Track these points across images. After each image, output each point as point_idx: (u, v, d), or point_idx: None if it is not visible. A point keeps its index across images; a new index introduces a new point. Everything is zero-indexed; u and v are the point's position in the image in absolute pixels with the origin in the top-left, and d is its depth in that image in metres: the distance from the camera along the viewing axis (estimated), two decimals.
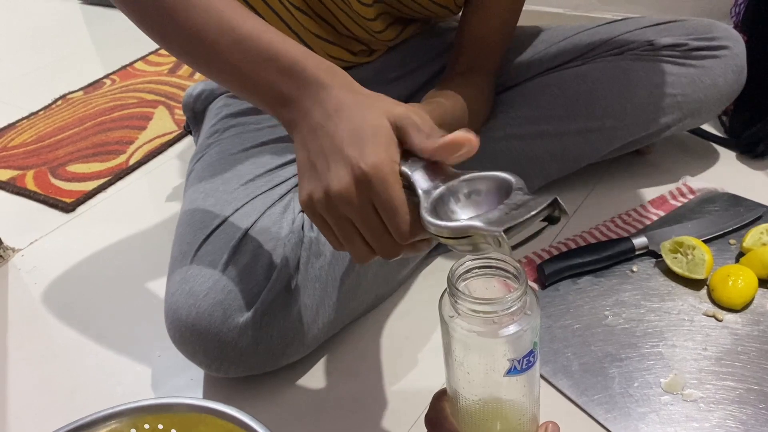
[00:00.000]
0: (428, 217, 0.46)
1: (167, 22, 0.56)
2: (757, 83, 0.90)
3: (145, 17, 0.57)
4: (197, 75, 1.40)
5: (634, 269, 0.77)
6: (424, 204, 0.47)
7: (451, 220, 0.46)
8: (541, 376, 0.66)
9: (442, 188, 0.47)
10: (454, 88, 0.72)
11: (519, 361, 0.47)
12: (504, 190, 0.46)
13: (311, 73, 0.52)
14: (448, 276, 0.46)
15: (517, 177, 0.46)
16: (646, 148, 0.95)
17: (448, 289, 0.47)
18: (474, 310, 0.45)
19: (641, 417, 0.61)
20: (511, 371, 0.47)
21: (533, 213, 0.43)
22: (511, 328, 0.46)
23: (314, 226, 0.70)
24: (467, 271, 0.47)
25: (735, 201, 0.85)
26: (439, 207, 0.47)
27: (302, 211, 0.72)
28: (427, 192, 0.48)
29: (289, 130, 0.53)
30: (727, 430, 0.59)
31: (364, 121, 0.48)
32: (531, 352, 0.48)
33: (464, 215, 0.47)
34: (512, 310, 0.45)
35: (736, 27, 0.98)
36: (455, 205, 0.47)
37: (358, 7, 0.75)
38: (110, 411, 0.52)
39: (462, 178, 0.47)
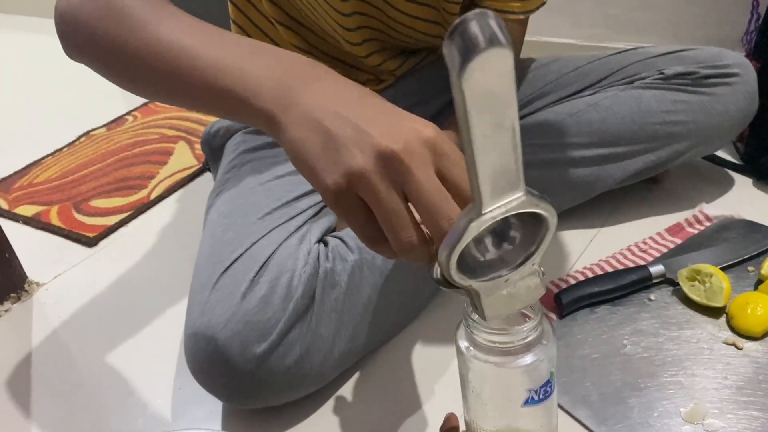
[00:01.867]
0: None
1: (130, 44, 0.53)
2: None
3: (103, 49, 0.56)
4: None
5: (652, 297, 0.77)
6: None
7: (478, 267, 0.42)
8: (560, 407, 0.65)
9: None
10: None
11: (536, 391, 0.47)
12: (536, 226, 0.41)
13: (299, 59, 0.48)
14: (464, 307, 0.47)
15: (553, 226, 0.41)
16: (661, 176, 0.95)
17: (463, 320, 0.48)
18: (490, 341, 0.46)
19: None
20: (529, 401, 0.48)
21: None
22: (528, 358, 0.46)
23: (330, 255, 0.71)
24: None
25: (752, 227, 0.85)
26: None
27: (319, 241, 0.74)
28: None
29: (274, 117, 0.46)
30: None
31: (384, 102, 0.46)
32: (548, 382, 0.48)
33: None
34: (528, 340, 0.46)
35: (747, 55, 0.99)
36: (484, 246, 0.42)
37: (342, 33, 0.79)
38: None
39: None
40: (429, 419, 0.68)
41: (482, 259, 0.41)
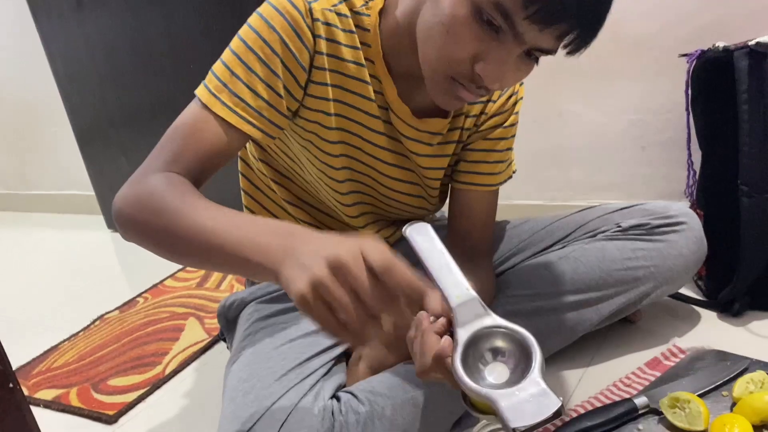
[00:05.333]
0: (462, 374, 0.54)
1: (170, 232, 0.66)
2: (720, 251, 1.03)
3: (150, 236, 0.69)
4: (223, 286, 1.54)
5: (641, 427, 0.83)
6: (458, 351, 0.55)
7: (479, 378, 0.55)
8: None
9: (470, 336, 0.56)
10: None
11: None
12: (525, 352, 0.55)
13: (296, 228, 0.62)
14: None
15: (536, 345, 0.54)
16: (634, 316, 1.05)
17: None
18: None
19: None
20: None
21: (541, 420, 0.51)
22: None
23: (342, 409, 0.79)
24: None
25: (722, 356, 0.93)
26: (468, 358, 0.55)
27: (332, 397, 0.82)
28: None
29: (279, 270, 0.57)
30: None
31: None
32: None
33: (491, 378, 0.55)
34: None
35: (692, 206, 1.14)
36: (480, 361, 0.55)
37: (341, 208, 0.92)
38: None
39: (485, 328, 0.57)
40: None
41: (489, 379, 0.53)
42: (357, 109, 0.83)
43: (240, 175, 1.00)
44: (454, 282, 0.58)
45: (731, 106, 1.01)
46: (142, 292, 1.60)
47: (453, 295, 0.56)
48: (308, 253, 0.55)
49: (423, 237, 0.61)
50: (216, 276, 1.60)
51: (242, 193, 1.00)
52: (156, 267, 1.71)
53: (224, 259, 0.63)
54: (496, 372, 0.55)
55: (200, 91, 0.76)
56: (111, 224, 2.13)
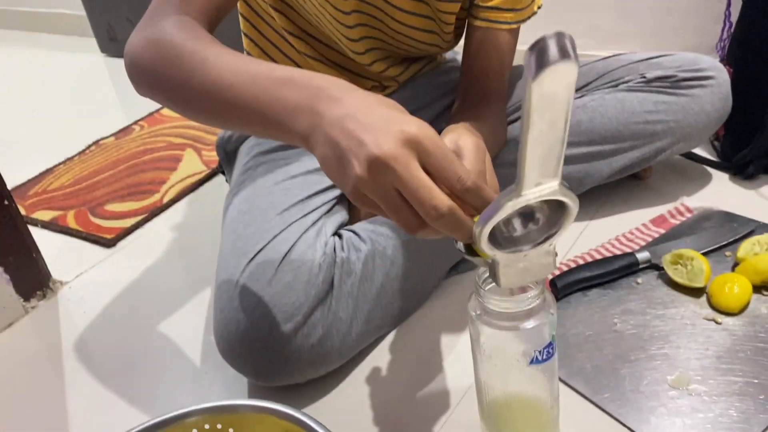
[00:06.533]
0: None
1: (189, 86, 0.60)
2: (743, 111, 0.99)
3: (168, 90, 0.63)
4: None
5: (639, 281, 0.84)
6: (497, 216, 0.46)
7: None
8: (559, 379, 0.72)
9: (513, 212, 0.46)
10: (471, 121, 0.80)
11: (540, 352, 0.54)
12: (555, 218, 0.48)
13: (325, 83, 0.54)
14: (475, 279, 0.54)
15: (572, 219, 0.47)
16: (645, 173, 1.03)
17: (475, 292, 0.54)
18: (500, 308, 0.53)
19: (651, 410, 0.67)
20: (533, 361, 0.54)
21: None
22: (532, 322, 0.53)
23: (344, 246, 0.78)
24: None
25: (729, 218, 0.92)
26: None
27: (333, 234, 0.81)
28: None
29: (308, 138, 0.53)
30: (729, 419, 0.65)
31: (389, 110, 0.51)
32: (550, 344, 0.55)
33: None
34: (532, 306, 0.53)
35: (721, 61, 1.07)
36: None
37: (347, 43, 0.86)
38: (181, 412, 0.59)
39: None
40: (439, 390, 0.74)
41: (508, 234, 0.48)
42: None
43: None
44: (543, 166, 0.43)
45: None
46: (138, 120, 1.55)
47: (532, 181, 0.43)
48: (343, 132, 0.49)
49: (555, 85, 0.39)
50: None
51: (240, 18, 0.93)
52: None
53: (246, 118, 0.58)
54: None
55: None
56: (105, 48, 2.03)
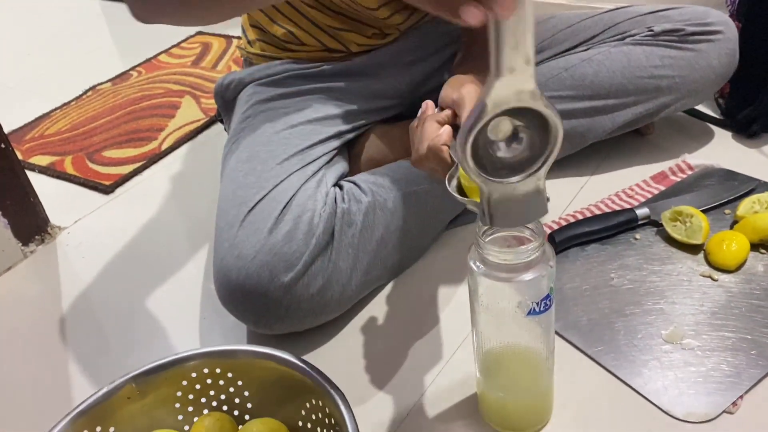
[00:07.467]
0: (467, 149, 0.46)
1: None
2: (750, 68, 0.97)
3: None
4: (220, 66, 1.47)
5: (637, 237, 0.84)
6: (474, 127, 0.46)
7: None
8: (555, 332, 0.73)
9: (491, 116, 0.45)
10: (474, 72, 0.79)
11: (538, 303, 0.54)
12: (542, 144, 0.47)
13: None
14: (476, 230, 0.54)
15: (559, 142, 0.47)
16: (647, 128, 1.02)
17: (475, 243, 0.54)
18: (499, 259, 0.53)
19: (644, 363, 0.68)
20: (531, 312, 0.55)
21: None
22: (531, 274, 0.53)
23: (345, 197, 0.78)
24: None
25: (730, 175, 0.92)
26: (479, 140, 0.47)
27: (334, 185, 0.80)
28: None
29: None
30: (721, 373, 0.66)
31: None
32: (548, 296, 0.55)
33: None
34: (531, 258, 0.53)
35: (731, 16, 1.05)
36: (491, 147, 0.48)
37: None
38: (180, 356, 0.60)
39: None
40: (436, 342, 0.75)
41: (495, 157, 0.47)
42: None
43: None
44: (515, 48, 0.44)
45: None
46: (135, 66, 1.53)
47: (505, 65, 0.44)
48: None
49: None
50: (212, 54, 1.52)
51: None
52: (149, 41, 1.62)
53: None
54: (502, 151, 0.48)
55: None
56: None
